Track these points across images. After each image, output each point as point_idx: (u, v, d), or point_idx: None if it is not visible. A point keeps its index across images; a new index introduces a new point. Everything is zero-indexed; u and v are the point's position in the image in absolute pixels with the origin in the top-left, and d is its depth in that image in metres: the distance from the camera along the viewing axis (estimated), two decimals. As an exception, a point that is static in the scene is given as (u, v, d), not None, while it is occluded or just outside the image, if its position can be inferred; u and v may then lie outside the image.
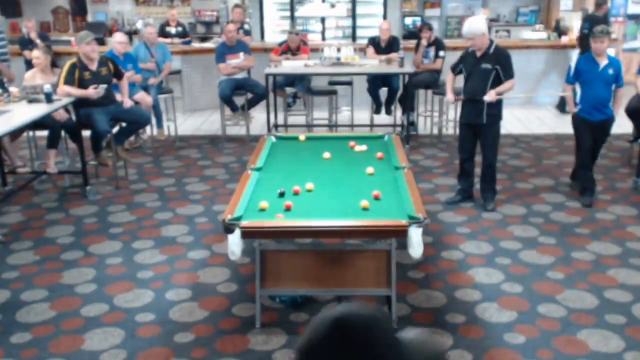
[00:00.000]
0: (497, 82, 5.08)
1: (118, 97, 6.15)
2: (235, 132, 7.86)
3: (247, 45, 7.90)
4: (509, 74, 5.07)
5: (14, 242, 4.74)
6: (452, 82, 5.45)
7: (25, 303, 3.83)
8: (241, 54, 7.61)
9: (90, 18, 11.99)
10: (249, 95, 7.68)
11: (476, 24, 5.05)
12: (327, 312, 1.16)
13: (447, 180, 6.04)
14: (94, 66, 5.83)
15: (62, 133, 5.99)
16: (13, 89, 5.78)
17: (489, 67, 5.05)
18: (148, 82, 7.36)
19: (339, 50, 7.69)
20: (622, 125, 7.80)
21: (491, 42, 5.12)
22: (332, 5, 9.96)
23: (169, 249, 4.59)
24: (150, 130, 7.56)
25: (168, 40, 9.15)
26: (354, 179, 4.03)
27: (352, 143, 4.81)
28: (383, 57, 7.68)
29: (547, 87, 9.51)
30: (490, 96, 5.02)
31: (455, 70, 5.38)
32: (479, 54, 5.11)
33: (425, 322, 3.55)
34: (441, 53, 7.60)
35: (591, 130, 5.36)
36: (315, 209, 3.51)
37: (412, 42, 8.47)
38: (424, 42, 7.57)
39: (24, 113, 5.18)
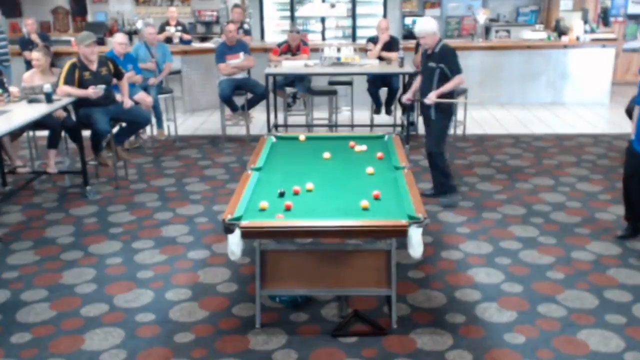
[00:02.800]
0: (445, 79, 5.17)
1: (118, 97, 6.15)
2: (235, 132, 7.87)
3: (247, 45, 7.90)
4: (454, 71, 5.13)
5: (14, 242, 4.74)
6: (418, 82, 5.56)
7: (25, 303, 3.83)
8: (241, 54, 7.61)
9: (90, 18, 11.99)
10: (249, 95, 7.69)
11: (427, 23, 5.17)
12: None
13: (447, 180, 6.05)
14: (93, 66, 5.83)
15: (62, 133, 6.00)
16: (13, 89, 5.78)
17: (433, 65, 5.17)
18: (148, 82, 7.36)
19: (339, 50, 7.69)
20: (622, 125, 7.82)
21: (439, 41, 5.22)
22: (332, 5, 9.98)
23: (169, 249, 4.59)
24: (150, 130, 7.57)
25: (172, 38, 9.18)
26: (354, 179, 4.03)
27: (352, 143, 4.81)
28: (383, 54, 7.68)
29: (547, 88, 9.53)
30: (430, 99, 5.18)
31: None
32: (428, 52, 5.23)
33: (425, 322, 3.55)
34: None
35: None
36: (315, 209, 3.51)
37: (412, 42, 8.47)
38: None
39: (24, 113, 5.18)
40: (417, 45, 7.74)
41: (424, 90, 5.29)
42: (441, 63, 5.14)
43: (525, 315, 3.63)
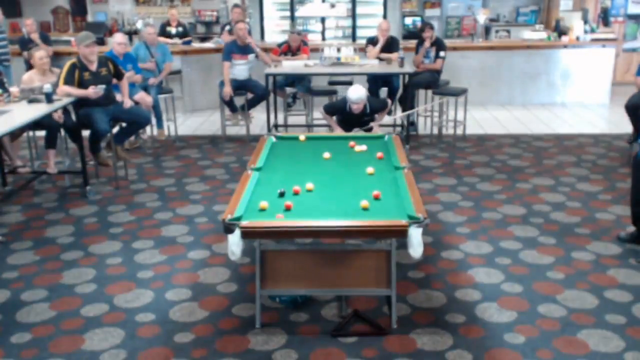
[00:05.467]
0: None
1: (118, 97, 6.15)
2: (235, 132, 7.87)
3: (254, 49, 7.79)
4: (383, 109, 6.16)
5: (14, 242, 4.74)
6: (334, 120, 6.08)
7: (25, 303, 3.83)
8: (249, 56, 7.59)
9: (90, 18, 12.00)
10: (249, 96, 7.68)
11: (362, 91, 5.69)
12: None
13: (447, 180, 6.05)
14: (93, 66, 5.83)
15: (62, 133, 6.00)
16: (13, 89, 5.78)
17: (368, 119, 5.95)
18: (148, 82, 7.36)
19: (339, 50, 7.69)
20: (622, 125, 7.82)
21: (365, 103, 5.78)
22: (332, 5, 9.97)
23: (169, 249, 4.59)
24: (150, 130, 7.57)
25: (170, 40, 9.16)
26: (354, 179, 4.03)
27: (352, 143, 4.81)
28: (383, 55, 7.68)
29: (547, 88, 9.53)
30: (376, 129, 5.96)
31: (331, 115, 6.08)
32: (358, 113, 5.78)
33: (425, 322, 3.56)
34: (442, 53, 7.60)
35: None
36: (315, 209, 3.51)
37: (412, 42, 8.47)
38: (427, 42, 7.57)
39: (24, 113, 5.18)
40: (418, 45, 7.78)
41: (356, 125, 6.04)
42: (374, 114, 6.01)
43: (525, 315, 3.63)
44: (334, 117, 6.10)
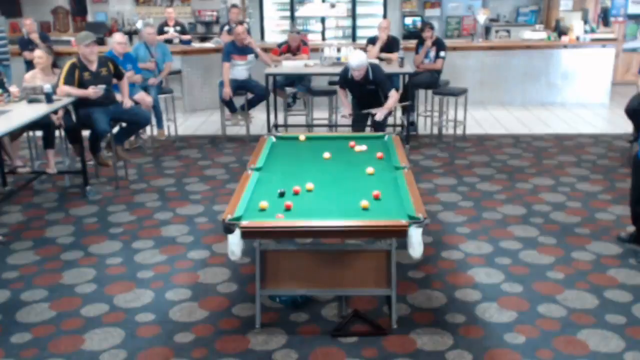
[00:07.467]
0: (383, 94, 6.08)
1: (118, 97, 6.15)
2: (235, 132, 7.87)
3: (254, 50, 7.78)
4: (389, 89, 6.00)
5: (14, 242, 4.74)
6: (346, 96, 6.25)
7: (25, 303, 3.83)
8: (249, 56, 7.59)
9: (90, 18, 12.01)
10: (249, 95, 7.68)
11: (362, 57, 5.75)
12: None
13: (447, 180, 6.05)
14: (93, 66, 5.82)
15: (62, 133, 5.99)
16: (13, 89, 5.78)
17: (373, 87, 5.99)
18: (148, 82, 7.36)
19: (339, 50, 7.68)
20: (622, 125, 7.82)
21: (367, 69, 5.81)
22: (332, 5, 9.97)
23: (169, 249, 4.60)
24: (150, 131, 7.56)
25: (166, 36, 9.17)
26: (354, 179, 4.02)
27: (352, 143, 4.81)
28: (383, 55, 7.68)
29: (547, 88, 9.53)
30: (380, 115, 5.95)
31: (343, 87, 6.25)
32: (360, 80, 5.85)
33: (425, 322, 3.55)
34: (442, 53, 7.61)
35: None
36: (315, 209, 3.51)
37: (412, 42, 8.48)
38: (429, 42, 7.57)
39: (24, 113, 5.18)
40: (418, 45, 7.77)
41: (370, 104, 6.09)
42: (378, 84, 5.96)
43: (525, 315, 3.63)
44: (349, 98, 6.22)
